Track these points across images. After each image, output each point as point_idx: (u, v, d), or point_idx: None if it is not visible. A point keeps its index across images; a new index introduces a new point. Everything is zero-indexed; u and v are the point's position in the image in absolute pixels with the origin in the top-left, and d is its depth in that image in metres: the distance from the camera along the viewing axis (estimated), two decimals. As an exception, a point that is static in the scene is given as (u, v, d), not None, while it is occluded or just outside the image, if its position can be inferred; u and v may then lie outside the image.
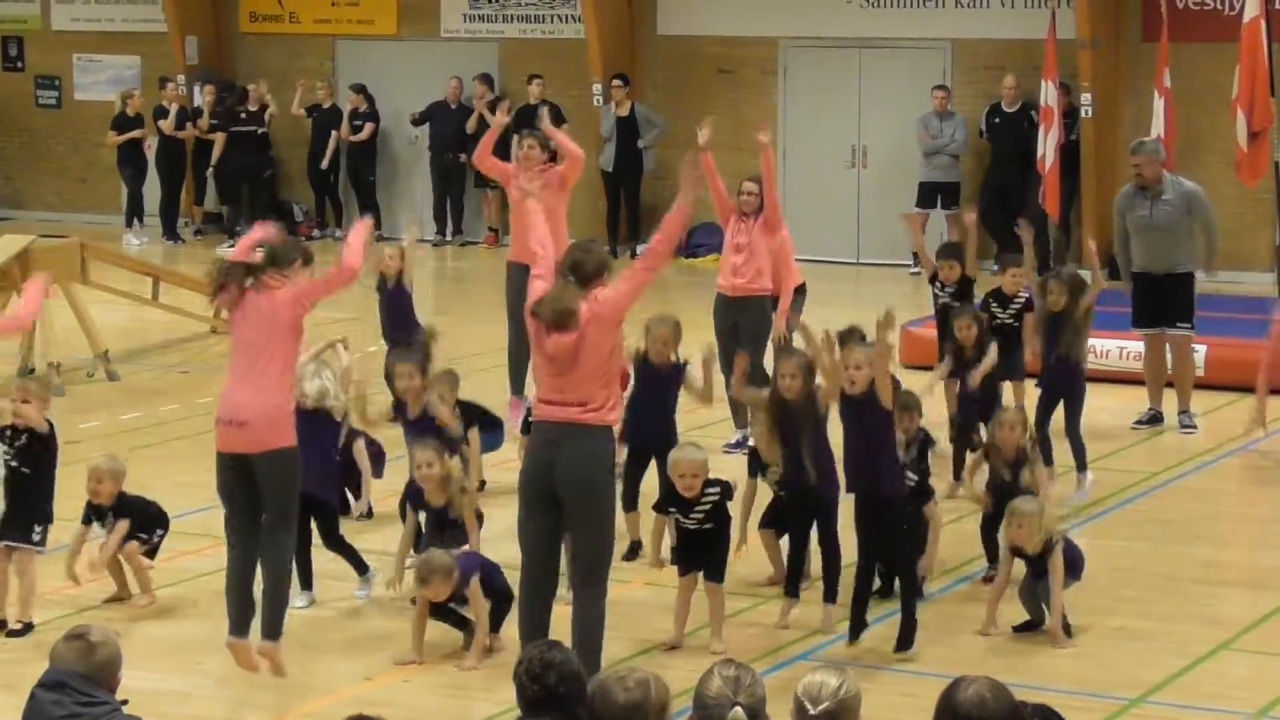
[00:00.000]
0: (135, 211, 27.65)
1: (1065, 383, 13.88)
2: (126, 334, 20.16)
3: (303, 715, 10.01)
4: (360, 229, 10.48)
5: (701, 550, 10.83)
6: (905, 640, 10.71)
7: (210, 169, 27.62)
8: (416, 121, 27.03)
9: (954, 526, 12.53)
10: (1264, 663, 10.74)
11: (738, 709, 5.99)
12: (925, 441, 11.74)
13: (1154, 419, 16.11)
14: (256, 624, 10.11)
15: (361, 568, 11.95)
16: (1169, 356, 16.18)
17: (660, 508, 11.01)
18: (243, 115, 27.39)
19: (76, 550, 11.80)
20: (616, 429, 9.91)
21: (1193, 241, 16.00)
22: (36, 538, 11.19)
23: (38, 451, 11.19)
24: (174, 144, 27.48)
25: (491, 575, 10.83)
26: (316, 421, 11.83)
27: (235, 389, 10.00)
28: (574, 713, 6.48)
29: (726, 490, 10.93)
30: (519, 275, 15.77)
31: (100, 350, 18.24)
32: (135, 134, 27.26)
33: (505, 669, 9.77)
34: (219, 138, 27.38)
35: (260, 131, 27.54)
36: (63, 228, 24.67)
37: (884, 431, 10.75)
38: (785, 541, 11.63)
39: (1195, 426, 15.92)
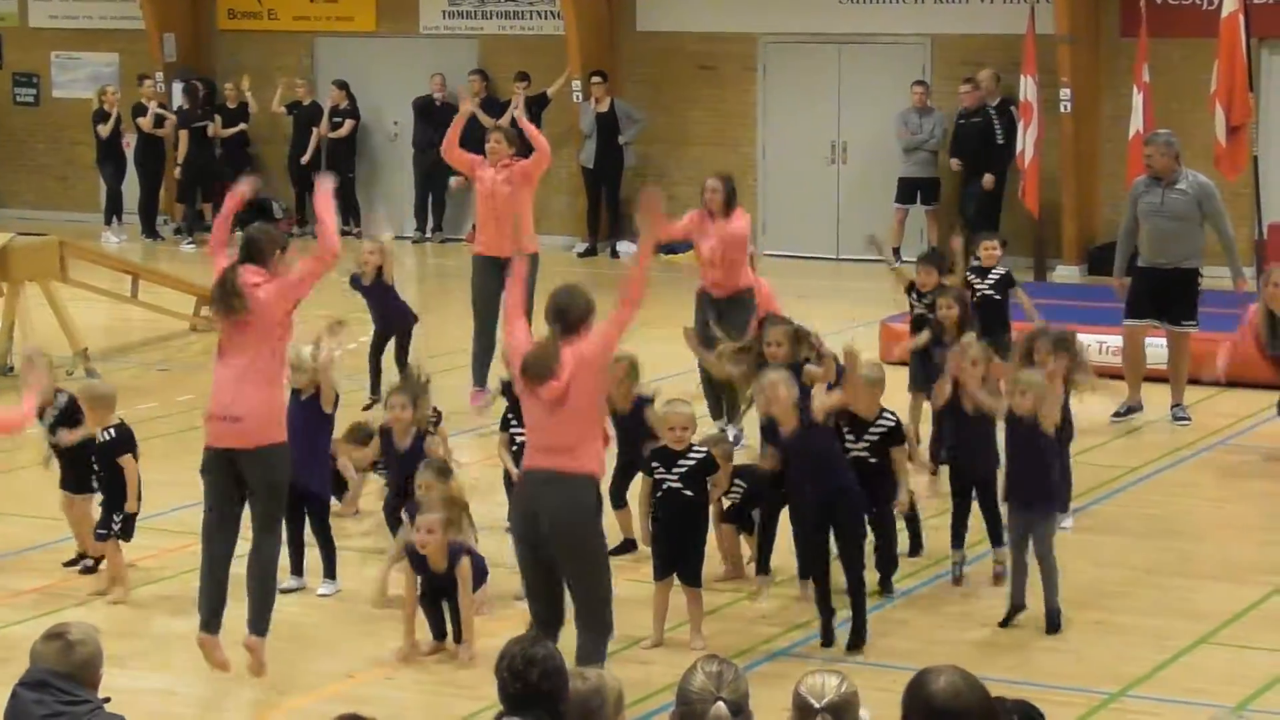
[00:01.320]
0: (114, 209, 27.59)
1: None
2: (106, 332, 20.13)
3: (285, 712, 10.00)
4: (325, 198, 10.29)
5: (678, 550, 10.87)
6: (857, 638, 10.76)
7: (179, 167, 27.51)
8: (416, 109, 26.91)
9: (935, 521, 12.54)
10: (1243, 656, 10.77)
11: (720, 704, 6.01)
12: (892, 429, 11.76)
13: (1131, 410, 16.15)
14: (228, 622, 10.09)
15: (331, 572, 11.98)
16: (1150, 351, 16.22)
17: (646, 468, 11.12)
18: (199, 112, 27.28)
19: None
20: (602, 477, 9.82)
21: (1201, 236, 16.03)
22: None
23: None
24: (153, 142, 27.42)
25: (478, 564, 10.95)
26: (309, 413, 11.87)
27: (227, 385, 9.93)
28: (556, 710, 6.48)
29: (711, 461, 11.01)
30: (484, 268, 15.88)
31: (79, 348, 18.21)
32: (114, 125, 27.16)
33: (488, 667, 9.81)
34: (183, 136, 27.29)
35: (232, 131, 27.47)
36: (42, 225, 24.60)
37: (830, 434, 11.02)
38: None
39: (1189, 419, 15.94)
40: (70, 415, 12.15)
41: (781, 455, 11.02)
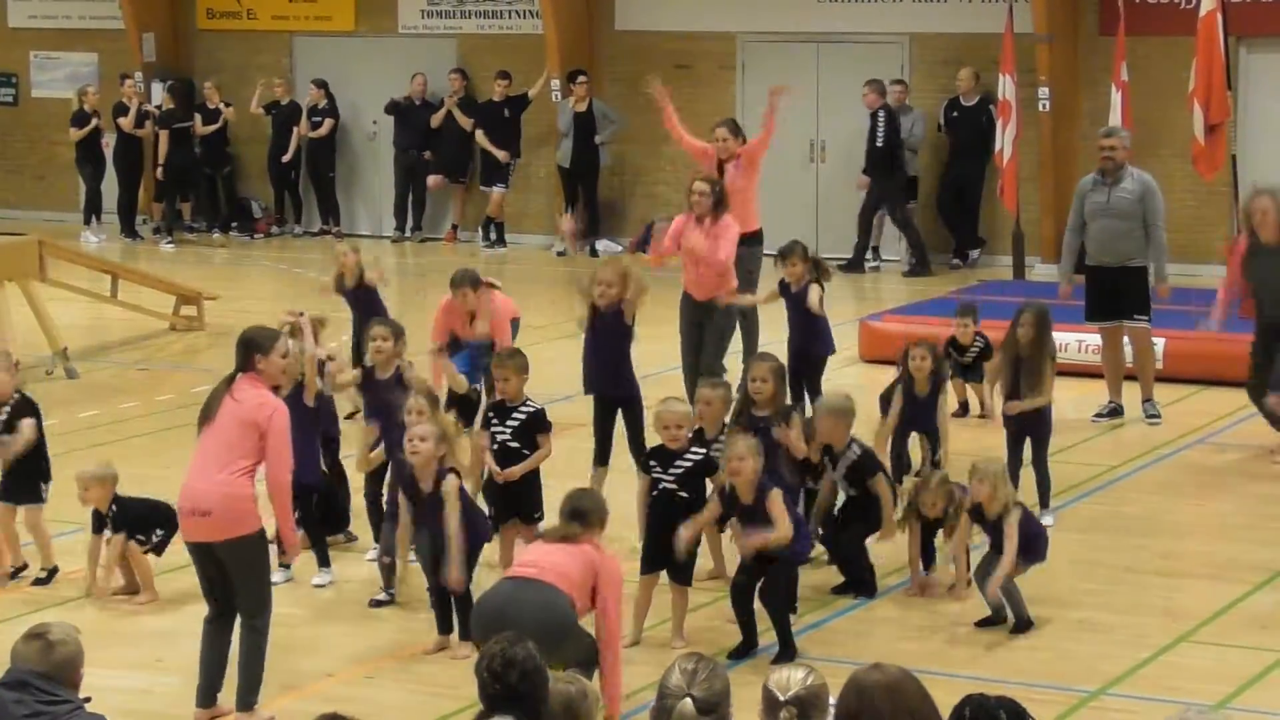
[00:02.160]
0: (93, 209, 27.53)
1: (1033, 421, 13.28)
2: (85, 331, 20.10)
3: (266, 711, 9.97)
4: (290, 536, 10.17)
5: (668, 549, 10.86)
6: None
7: (159, 168, 27.44)
8: (389, 109, 26.85)
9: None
10: (1223, 654, 10.80)
11: (686, 700, 6.06)
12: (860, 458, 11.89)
13: (1114, 412, 16.16)
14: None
15: (324, 560, 12.12)
16: (1127, 349, 16.24)
17: (643, 466, 11.19)
18: (181, 112, 27.23)
19: (95, 559, 11.83)
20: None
21: (1145, 234, 16.01)
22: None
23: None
24: (132, 141, 27.38)
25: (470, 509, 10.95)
26: (293, 410, 11.88)
27: (197, 477, 9.87)
28: (536, 710, 6.49)
29: (709, 462, 11.02)
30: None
31: (59, 348, 18.18)
32: (94, 124, 27.11)
33: (469, 666, 9.80)
34: (163, 136, 27.23)
35: (211, 130, 27.44)
36: (21, 225, 24.57)
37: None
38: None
39: (1159, 416, 15.98)
40: (11, 421, 12.03)
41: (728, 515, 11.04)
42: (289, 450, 9.88)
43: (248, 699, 9.78)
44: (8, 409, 12.06)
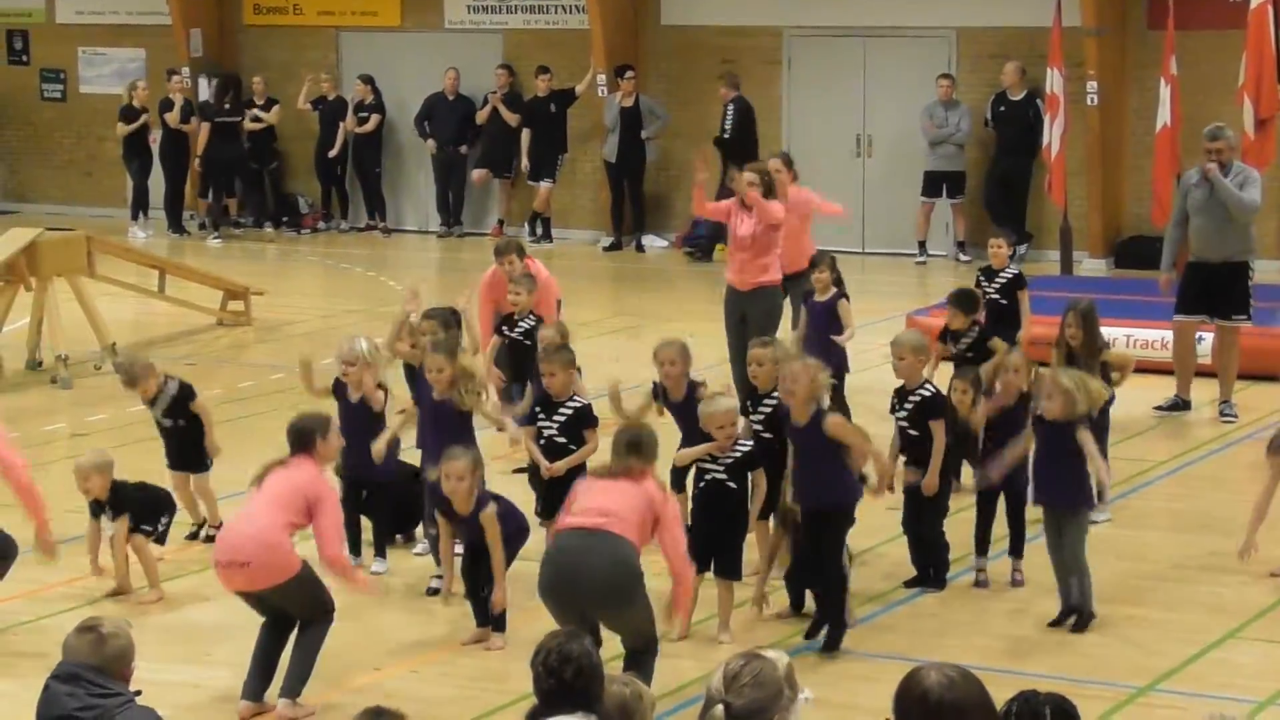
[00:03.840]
0: (140, 204, 27.63)
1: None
2: (133, 327, 20.17)
3: (312, 706, 9.99)
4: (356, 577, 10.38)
5: (716, 542, 10.85)
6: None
7: (197, 159, 27.55)
8: (419, 119, 26.93)
9: (965, 515, 12.52)
10: (1272, 651, 10.75)
11: (719, 708, 5.87)
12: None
13: (1176, 405, 16.13)
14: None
15: (381, 551, 12.30)
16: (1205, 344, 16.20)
17: (674, 483, 11.21)
18: (226, 107, 27.34)
19: (94, 544, 11.92)
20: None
21: (1251, 229, 15.96)
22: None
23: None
24: (179, 137, 27.46)
25: (508, 511, 10.94)
26: (363, 416, 12.01)
27: (236, 527, 10.06)
28: (590, 707, 6.44)
29: (755, 454, 11.01)
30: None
31: (107, 343, 18.25)
32: (143, 119, 27.22)
33: (515, 659, 9.82)
34: (204, 129, 27.31)
35: (261, 126, 27.53)
36: (68, 221, 24.65)
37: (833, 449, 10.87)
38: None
39: (1236, 416, 15.85)
40: (177, 408, 12.77)
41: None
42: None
43: (295, 687, 9.85)
44: (169, 398, 12.69)
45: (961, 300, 14.36)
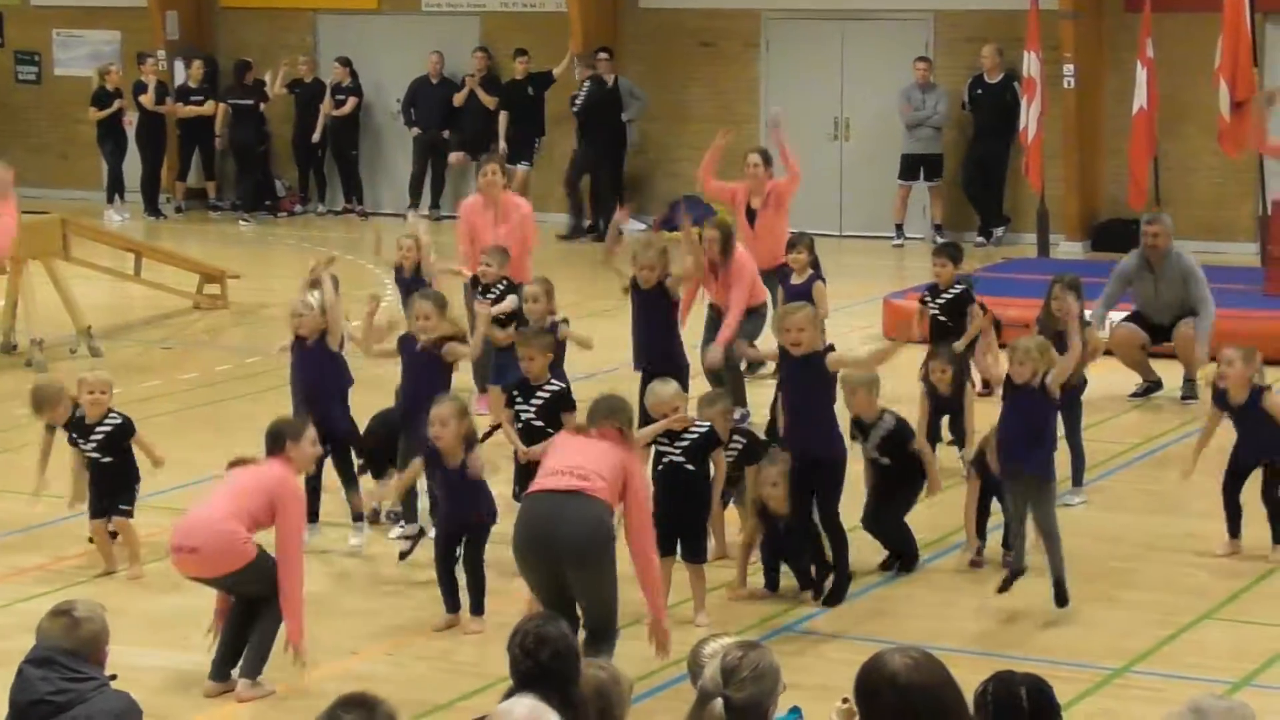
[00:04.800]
0: (116, 187, 27.57)
1: (1066, 396, 12.76)
2: (109, 310, 20.12)
3: (289, 689, 9.99)
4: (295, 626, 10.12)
5: (679, 526, 10.87)
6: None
7: (218, 138, 27.52)
8: (405, 105, 26.90)
9: (944, 498, 12.52)
10: (1246, 632, 10.77)
11: (718, 702, 5.79)
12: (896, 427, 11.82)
13: (1150, 389, 16.21)
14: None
15: (359, 516, 12.32)
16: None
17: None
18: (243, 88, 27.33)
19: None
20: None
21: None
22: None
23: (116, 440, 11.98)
24: (155, 119, 27.36)
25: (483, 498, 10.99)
26: (320, 357, 12.04)
27: (193, 512, 10.10)
28: (566, 690, 6.45)
29: (713, 435, 11.05)
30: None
31: (83, 326, 18.21)
32: (117, 105, 27.14)
33: (492, 643, 9.82)
34: (222, 110, 27.27)
35: (259, 106, 27.50)
36: (44, 204, 24.57)
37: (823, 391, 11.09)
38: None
39: (1196, 397, 15.88)
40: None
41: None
42: (300, 555, 9.99)
43: (255, 667, 9.88)
44: (106, 434, 12.03)
45: (950, 251, 14.72)
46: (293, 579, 9.82)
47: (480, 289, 14.81)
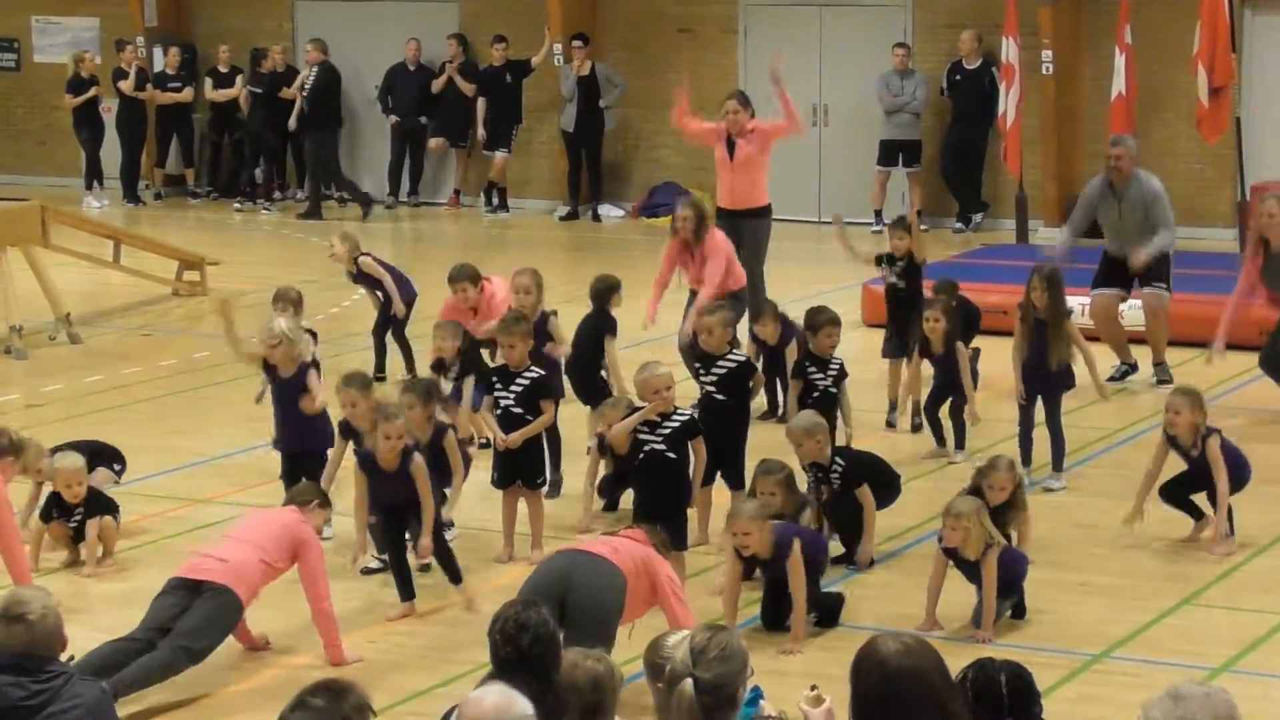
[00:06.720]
0: (95, 174, 27.48)
1: (1047, 383, 13.29)
2: (88, 297, 20.05)
3: (264, 679, 9.98)
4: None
5: (659, 514, 10.74)
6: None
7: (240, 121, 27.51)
8: (382, 93, 26.84)
9: (917, 485, 12.56)
10: (1227, 617, 10.79)
11: (687, 682, 5.77)
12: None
13: (1126, 373, 16.23)
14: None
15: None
16: (1131, 314, 16.26)
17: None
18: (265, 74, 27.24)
19: (37, 545, 11.70)
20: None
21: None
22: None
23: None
24: (134, 106, 27.28)
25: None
26: (297, 391, 11.92)
27: (213, 552, 10.09)
28: (546, 676, 6.43)
29: (694, 423, 11.05)
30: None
31: (62, 313, 18.16)
32: (93, 92, 27.03)
33: (471, 630, 9.81)
34: (245, 96, 27.18)
35: (226, 97, 27.43)
36: (23, 190, 24.53)
37: None
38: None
39: (1171, 380, 15.90)
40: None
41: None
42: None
43: (130, 690, 9.47)
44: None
45: (901, 224, 15.27)
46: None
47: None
